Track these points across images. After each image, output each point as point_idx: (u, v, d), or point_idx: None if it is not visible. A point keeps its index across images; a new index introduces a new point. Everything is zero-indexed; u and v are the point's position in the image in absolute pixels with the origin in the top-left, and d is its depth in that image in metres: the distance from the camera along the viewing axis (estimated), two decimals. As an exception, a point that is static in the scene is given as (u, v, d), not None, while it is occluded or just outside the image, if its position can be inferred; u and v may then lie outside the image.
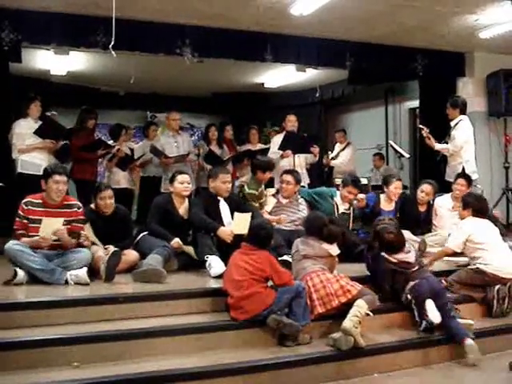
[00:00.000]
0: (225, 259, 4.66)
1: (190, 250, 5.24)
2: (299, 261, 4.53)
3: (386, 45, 8.03)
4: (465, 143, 7.03)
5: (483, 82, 8.67)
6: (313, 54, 7.81)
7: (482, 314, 4.91)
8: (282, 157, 7.21)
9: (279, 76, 9.97)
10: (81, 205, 5.03)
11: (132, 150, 7.92)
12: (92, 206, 5.29)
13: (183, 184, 5.51)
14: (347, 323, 3.97)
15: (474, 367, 4.18)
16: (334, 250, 4.58)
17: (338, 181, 7.44)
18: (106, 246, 4.92)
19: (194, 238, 5.34)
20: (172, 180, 5.59)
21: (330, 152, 9.25)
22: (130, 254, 5.08)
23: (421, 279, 4.45)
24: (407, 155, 8.57)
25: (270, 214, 5.90)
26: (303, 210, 6.02)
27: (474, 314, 4.77)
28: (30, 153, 6.38)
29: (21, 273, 4.42)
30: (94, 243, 5.01)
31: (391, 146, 8.85)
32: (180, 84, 10.38)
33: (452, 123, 7.15)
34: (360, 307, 4.09)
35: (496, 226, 6.17)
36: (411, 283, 4.46)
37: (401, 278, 4.53)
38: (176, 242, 5.17)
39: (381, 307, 4.43)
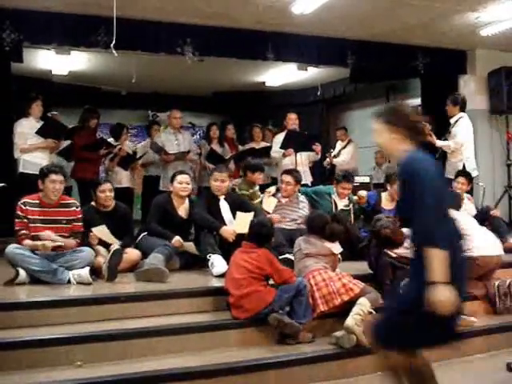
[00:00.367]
0: (227, 258, 4.66)
1: (191, 247, 5.23)
2: (301, 259, 4.53)
3: (388, 43, 8.01)
4: (466, 140, 7.03)
5: (485, 79, 8.65)
6: (314, 53, 7.79)
7: (486, 311, 4.91)
8: (284, 155, 7.21)
9: (280, 75, 9.96)
10: (78, 203, 5.06)
11: (134, 152, 7.93)
12: (92, 203, 5.31)
13: (182, 184, 5.51)
14: (350, 321, 3.97)
15: (475, 365, 4.19)
16: (336, 248, 4.58)
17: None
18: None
19: (197, 236, 5.35)
20: (172, 179, 5.60)
21: (332, 150, 9.24)
22: (132, 253, 5.09)
23: None
24: (409, 153, 8.53)
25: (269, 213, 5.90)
26: (304, 208, 6.03)
27: (478, 312, 4.77)
28: (32, 152, 6.39)
29: (22, 273, 4.44)
30: (100, 243, 5.01)
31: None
32: (181, 83, 10.38)
33: (452, 120, 7.16)
34: (362, 305, 4.08)
35: (498, 225, 6.22)
36: (407, 279, 4.44)
37: (400, 273, 4.52)
38: (177, 240, 5.17)
39: (383, 305, 4.42)
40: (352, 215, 6.22)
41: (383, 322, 2.81)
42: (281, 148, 7.23)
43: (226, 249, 5.05)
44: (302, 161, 7.33)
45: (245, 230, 4.81)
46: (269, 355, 3.87)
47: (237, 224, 5.19)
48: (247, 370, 3.72)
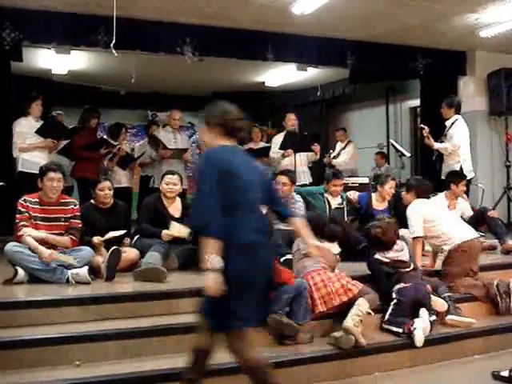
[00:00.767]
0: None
1: (180, 231, 5.21)
2: (300, 260, 4.53)
3: (387, 43, 8.02)
4: (462, 142, 7.07)
5: (484, 81, 8.67)
6: (314, 53, 7.80)
7: (487, 313, 4.91)
8: (284, 156, 7.21)
9: (280, 75, 9.95)
10: (77, 202, 5.09)
11: (132, 149, 7.93)
12: (92, 201, 5.32)
13: (168, 185, 5.50)
14: (348, 322, 3.98)
15: (475, 366, 4.19)
16: (335, 248, 4.59)
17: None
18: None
19: (196, 236, 5.33)
20: (162, 179, 5.62)
21: (331, 150, 9.24)
22: (131, 253, 5.09)
23: (410, 284, 4.43)
24: (408, 154, 8.57)
25: None
26: (300, 208, 6.02)
27: (479, 313, 4.78)
28: (31, 152, 6.39)
29: (21, 271, 4.44)
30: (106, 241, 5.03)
31: (392, 144, 8.85)
32: (181, 83, 10.38)
33: (448, 122, 7.19)
34: (361, 306, 4.09)
35: (495, 226, 6.22)
36: (402, 284, 4.44)
37: (394, 278, 4.52)
38: (164, 234, 5.18)
39: (381, 306, 4.43)
40: (346, 213, 6.23)
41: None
42: (280, 148, 7.23)
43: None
44: (301, 161, 7.34)
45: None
46: (268, 355, 3.85)
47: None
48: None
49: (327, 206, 6.18)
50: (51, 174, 4.73)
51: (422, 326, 4.18)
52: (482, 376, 3.99)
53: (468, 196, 7.09)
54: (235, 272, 2.83)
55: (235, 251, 2.83)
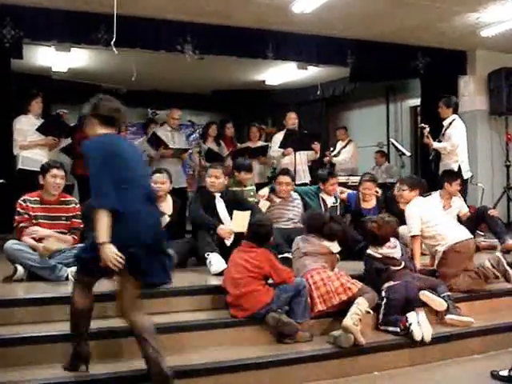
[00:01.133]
0: (226, 256, 4.66)
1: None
2: (300, 258, 4.53)
3: (388, 43, 8.02)
4: (460, 142, 7.09)
5: (485, 80, 8.66)
6: (314, 52, 7.80)
7: (485, 312, 4.89)
8: (284, 155, 7.21)
9: (280, 73, 9.95)
10: (77, 201, 5.08)
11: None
12: None
13: (156, 184, 5.44)
14: (348, 321, 3.98)
15: (474, 365, 4.20)
16: (335, 247, 4.58)
17: (342, 178, 7.46)
18: None
19: (195, 235, 5.34)
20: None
21: (331, 148, 9.23)
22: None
23: (400, 282, 4.43)
24: (408, 153, 8.57)
25: None
26: (298, 205, 6.04)
27: (478, 312, 4.76)
28: (32, 149, 6.39)
29: (20, 269, 4.44)
30: None
31: (392, 143, 8.85)
32: (181, 81, 10.37)
33: (445, 122, 7.21)
34: (360, 305, 4.09)
35: (495, 225, 6.22)
36: (391, 282, 4.44)
37: (384, 275, 4.52)
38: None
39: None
40: (339, 211, 6.25)
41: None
42: (280, 147, 7.23)
43: (225, 247, 5.06)
44: (301, 160, 7.34)
45: (242, 228, 4.81)
46: (267, 354, 3.87)
47: (234, 223, 5.18)
48: (245, 368, 3.72)
49: (322, 206, 6.19)
50: (54, 171, 4.73)
51: (415, 320, 4.18)
52: (481, 375, 3.99)
53: (466, 195, 7.11)
54: (123, 237, 3.14)
55: (122, 219, 3.13)
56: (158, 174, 5.56)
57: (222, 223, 5.31)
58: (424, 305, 4.51)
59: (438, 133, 7.25)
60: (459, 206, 6.40)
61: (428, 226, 5.09)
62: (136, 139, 9.30)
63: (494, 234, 6.32)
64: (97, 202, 3.12)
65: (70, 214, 4.85)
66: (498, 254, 5.15)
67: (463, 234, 5.11)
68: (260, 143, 8.14)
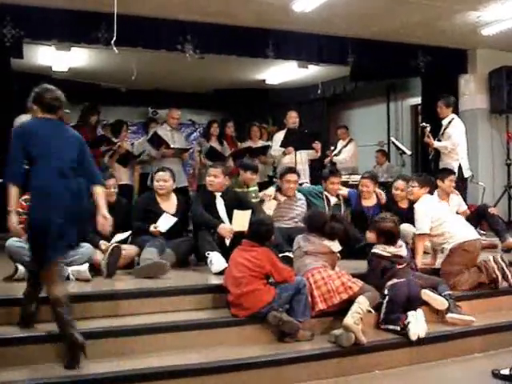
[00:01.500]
0: (227, 255, 4.66)
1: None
2: (301, 257, 4.53)
3: (388, 41, 8.01)
4: (460, 141, 7.09)
5: (485, 79, 8.66)
6: (314, 51, 7.81)
7: (486, 310, 4.89)
8: (285, 154, 7.21)
9: (281, 72, 9.95)
10: None
11: (132, 144, 7.93)
12: None
13: (159, 182, 5.49)
14: (348, 320, 3.97)
15: (473, 365, 4.19)
16: (336, 246, 4.58)
17: (343, 177, 7.44)
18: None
19: (195, 234, 5.34)
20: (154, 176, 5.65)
21: (332, 147, 9.23)
22: (131, 250, 5.08)
23: (403, 280, 4.43)
24: (409, 152, 8.58)
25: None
26: (302, 205, 6.04)
27: (479, 311, 4.76)
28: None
29: (21, 268, 4.43)
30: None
31: (393, 142, 8.85)
32: (181, 80, 10.37)
33: (445, 121, 7.22)
34: (361, 304, 4.08)
35: (495, 223, 6.23)
36: (394, 280, 4.44)
37: (388, 274, 4.52)
38: (152, 227, 5.17)
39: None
40: (342, 210, 6.26)
41: None
42: (281, 146, 7.22)
43: (225, 246, 5.06)
44: (302, 159, 7.33)
45: (242, 228, 4.82)
46: (267, 353, 3.87)
47: (234, 222, 5.18)
48: (246, 367, 3.71)
49: (326, 205, 6.19)
50: None
51: (415, 319, 4.17)
52: (482, 374, 3.98)
53: (466, 194, 7.10)
54: (35, 213, 3.49)
55: (35, 196, 3.52)
56: (160, 173, 5.58)
57: (223, 222, 5.31)
58: (425, 303, 4.52)
59: (438, 132, 7.25)
60: (457, 203, 6.40)
61: (437, 224, 5.10)
62: (136, 138, 9.30)
63: (494, 232, 6.32)
64: (4, 177, 3.50)
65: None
66: (499, 255, 5.16)
67: (472, 233, 5.14)
68: (261, 143, 8.13)
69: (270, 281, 4.22)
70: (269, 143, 7.91)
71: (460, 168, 7.01)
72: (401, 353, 4.17)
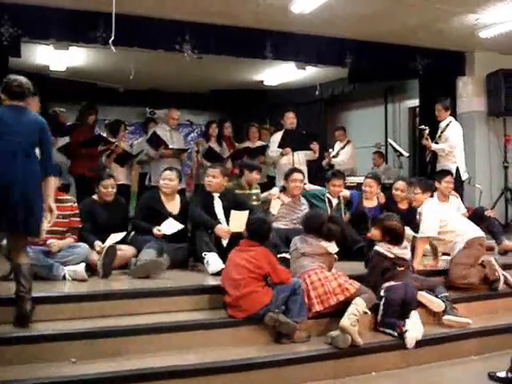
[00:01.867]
0: (223, 256, 4.65)
1: (171, 224, 5.21)
2: (297, 258, 4.52)
3: (386, 43, 8.02)
4: (458, 143, 7.11)
5: (483, 81, 8.67)
6: (313, 52, 7.80)
7: (482, 312, 4.90)
8: (282, 155, 7.20)
9: (279, 73, 9.94)
10: (75, 199, 5.09)
11: (131, 145, 7.92)
12: (94, 197, 5.35)
13: (164, 180, 5.51)
14: (345, 321, 3.97)
15: (470, 367, 4.19)
16: (333, 247, 4.57)
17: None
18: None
19: (192, 234, 5.34)
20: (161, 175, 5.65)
21: (330, 149, 9.23)
22: (128, 251, 5.07)
23: (400, 283, 4.42)
24: (406, 154, 8.58)
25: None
26: (304, 210, 6.03)
27: (475, 313, 4.77)
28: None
29: (18, 268, 4.41)
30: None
31: (390, 144, 8.85)
32: (179, 80, 10.35)
33: (442, 124, 7.27)
34: (358, 305, 4.08)
35: (492, 226, 6.25)
36: (392, 282, 4.44)
37: (387, 275, 4.51)
38: (156, 230, 5.17)
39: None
40: (343, 212, 6.27)
41: None
42: (278, 147, 7.22)
43: (223, 247, 5.06)
44: (300, 160, 7.32)
45: (239, 228, 4.82)
46: (264, 354, 3.87)
47: (231, 222, 5.18)
48: (242, 368, 3.71)
49: (328, 207, 6.19)
50: None
51: (412, 327, 4.17)
52: (478, 376, 3.99)
53: (463, 196, 7.11)
54: None
55: None
56: (167, 172, 5.60)
57: (220, 223, 5.30)
58: (421, 305, 4.52)
59: (436, 134, 7.26)
60: (457, 206, 6.41)
61: (445, 224, 5.17)
62: (134, 139, 9.29)
63: (491, 234, 6.32)
64: None
65: (67, 213, 4.85)
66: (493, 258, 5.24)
67: (480, 231, 5.26)
68: (259, 143, 8.13)
69: (267, 281, 4.22)
70: (266, 143, 7.91)
71: (457, 170, 7.03)
72: (397, 355, 4.17)
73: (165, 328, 3.90)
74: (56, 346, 3.60)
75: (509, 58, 8.48)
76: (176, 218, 5.41)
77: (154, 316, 4.08)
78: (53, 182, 3.96)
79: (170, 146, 7.26)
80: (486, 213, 6.34)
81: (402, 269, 4.56)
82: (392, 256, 4.56)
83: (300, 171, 6.19)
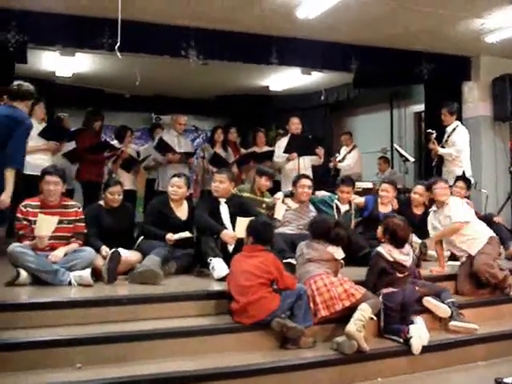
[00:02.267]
0: (229, 262, 4.64)
1: (185, 234, 5.20)
2: (303, 264, 4.51)
3: (392, 48, 8.02)
4: (464, 148, 7.11)
5: (489, 86, 8.65)
6: (318, 57, 7.81)
7: (489, 318, 4.87)
8: (288, 160, 7.20)
9: (284, 79, 9.96)
10: (80, 205, 5.10)
11: (138, 153, 7.93)
12: (101, 202, 5.36)
13: (173, 187, 5.49)
14: (351, 327, 3.96)
15: (476, 373, 4.17)
16: (339, 253, 4.56)
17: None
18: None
19: (198, 239, 5.33)
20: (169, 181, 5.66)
21: (337, 154, 9.22)
22: (132, 256, 5.06)
23: (398, 289, 4.39)
24: (412, 159, 8.56)
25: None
26: (312, 216, 6.00)
27: (482, 319, 4.74)
28: (34, 154, 6.36)
29: (23, 273, 4.42)
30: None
31: (396, 149, 8.84)
32: (185, 86, 10.39)
33: (449, 129, 7.27)
34: (364, 311, 4.07)
35: (500, 231, 6.23)
36: (390, 289, 4.40)
37: (386, 280, 4.48)
38: (169, 236, 5.15)
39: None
40: (353, 219, 6.25)
41: None
42: (284, 152, 7.22)
43: (228, 252, 5.05)
44: (305, 165, 7.33)
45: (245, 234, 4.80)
46: (269, 360, 3.85)
47: (237, 228, 5.16)
48: (247, 374, 3.70)
49: (336, 213, 6.18)
50: (47, 178, 4.77)
51: (417, 333, 4.15)
52: (484, 382, 3.97)
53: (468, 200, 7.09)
54: None
55: None
56: (175, 179, 5.58)
57: (226, 228, 5.30)
58: (428, 311, 4.49)
59: (441, 139, 7.25)
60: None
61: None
62: (140, 144, 9.30)
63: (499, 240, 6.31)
64: None
65: (72, 218, 4.85)
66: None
67: (493, 233, 5.47)
68: (266, 148, 8.14)
69: (274, 287, 4.21)
70: (273, 148, 7.91)
71: (464, 174, 7.01)
72: (403, 361, 4.15)
73: (170, 334, 3.89)
74: (61, 352, 3.59)
75: (515, 63, 8.48)
76: (185, 223, 5.42)
77: (159, 322, 4.07)
78: (12, 174, 4.55)
79: (177, 151, 7.27)
80: (494, 219, 6.35)
81: (402, 276, 4.51)
82: (391, 260, 4.51)
83: (308, 177, 6.20)
